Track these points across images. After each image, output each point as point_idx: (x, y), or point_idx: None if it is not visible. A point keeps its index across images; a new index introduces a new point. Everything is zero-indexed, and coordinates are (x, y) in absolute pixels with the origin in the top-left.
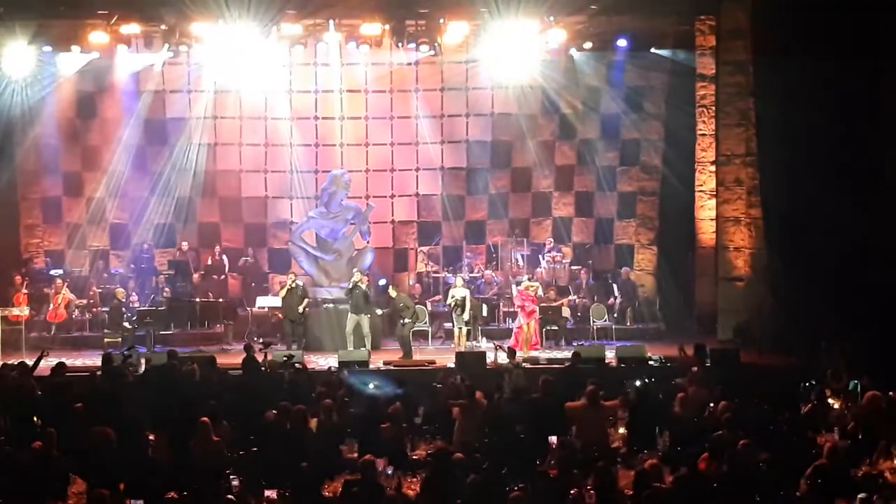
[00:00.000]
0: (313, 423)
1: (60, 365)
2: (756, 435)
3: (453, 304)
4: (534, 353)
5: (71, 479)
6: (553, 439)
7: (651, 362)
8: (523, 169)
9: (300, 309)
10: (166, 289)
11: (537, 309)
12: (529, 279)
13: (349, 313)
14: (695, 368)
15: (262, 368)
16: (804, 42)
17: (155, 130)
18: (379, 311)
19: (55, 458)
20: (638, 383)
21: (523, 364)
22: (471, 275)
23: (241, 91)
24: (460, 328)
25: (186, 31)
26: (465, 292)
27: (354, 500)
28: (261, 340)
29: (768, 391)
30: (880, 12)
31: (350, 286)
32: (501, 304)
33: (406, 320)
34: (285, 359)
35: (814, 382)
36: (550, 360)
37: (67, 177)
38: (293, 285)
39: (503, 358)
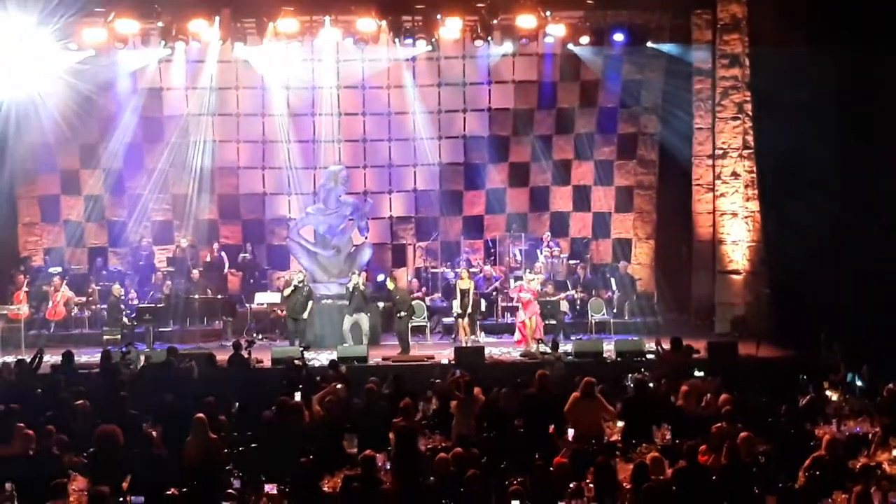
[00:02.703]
0: (309, 417)
1: (68, 354)
2: (754, 427)
3: (458, 297)
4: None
5: (71, 477)
6: (571, 432)
7: (650, 356)
8: (521, 164)
9: (304, 314)
10: (166, 283)
11: (537, 302)
12: (530, 271)
13: (346, 314)
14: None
15: (251, 366)
16: (800, 34)
17: (152, 127)
18: (381, 305)
19: (55, 455)
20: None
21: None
22: (470, 269)
23: (239, 88)
24: (463, 320)
25: (183, 28)
26: (470, 284)
27: (354, 496)
28: (255, 336)
29: (766, 383)
30: (876, 2)
31: (350, 289)
32: (500, 299)
33: (402, 314)
34: (303, 348)
35: (811, 374)
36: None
37: (65, 174)
38: (299, 284)
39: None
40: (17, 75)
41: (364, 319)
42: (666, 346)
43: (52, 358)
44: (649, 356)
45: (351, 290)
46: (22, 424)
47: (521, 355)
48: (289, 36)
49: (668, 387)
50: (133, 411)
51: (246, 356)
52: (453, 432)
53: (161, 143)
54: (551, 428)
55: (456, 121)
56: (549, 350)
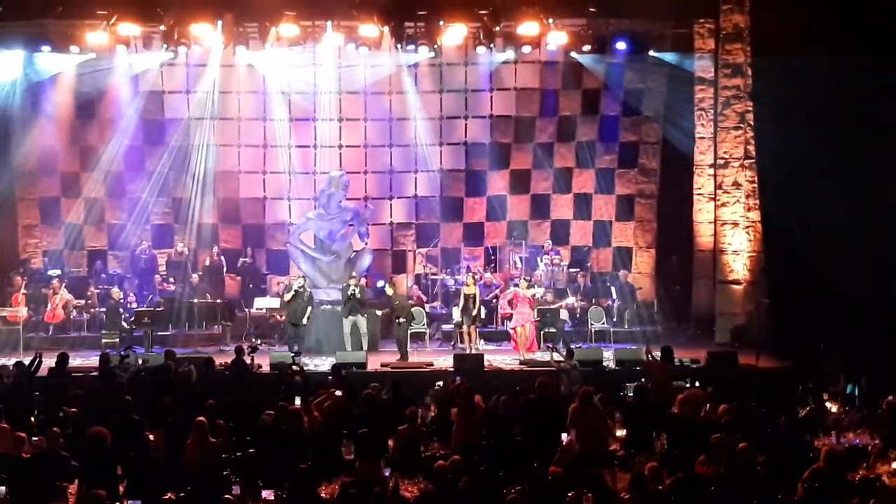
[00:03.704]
0: (308, 423)
1: (63, 356)
2: (753, 438)
3: (462, 302)
4: (531, 356)
5: (72, 480)
6: (564, 437)
7: None
8: (522, 171)
9: (304, 319)
10: (164, 285)
11: (532, 310)
12: (524, 279)
13: (343, 317)
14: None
15: (251, 371)
16: (802, 43)
17: (153, 131)
18: (378, 312)
19: (55, 457)
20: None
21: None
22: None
23: (240, 92)
24: (468, 326)
25: (185, 31)
26: (475, 291)
27: (351, 502)
28: (256, 342)
29: (766, 394)
30: (878, 12)
31: (348, 293)
32: (500, 306)
33: (401, 320)
34: (294, 354)
35: (811, 385)
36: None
37: (65, 177)
38: (300, 289)
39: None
40: (21, 78)
41: (361, 321)
42: (656, 354)
43: (49, 361)
44: None
45: (348, 294)
46: (6, 425)
47: (520, 363)
48: (291, 41)
49: (659, 396)
50: (135, 416)
51: (249, 361)
52: (454, 440)
53: (162, 146)
54: (565, 438)
55: (457, 127)
56: (563, 357)
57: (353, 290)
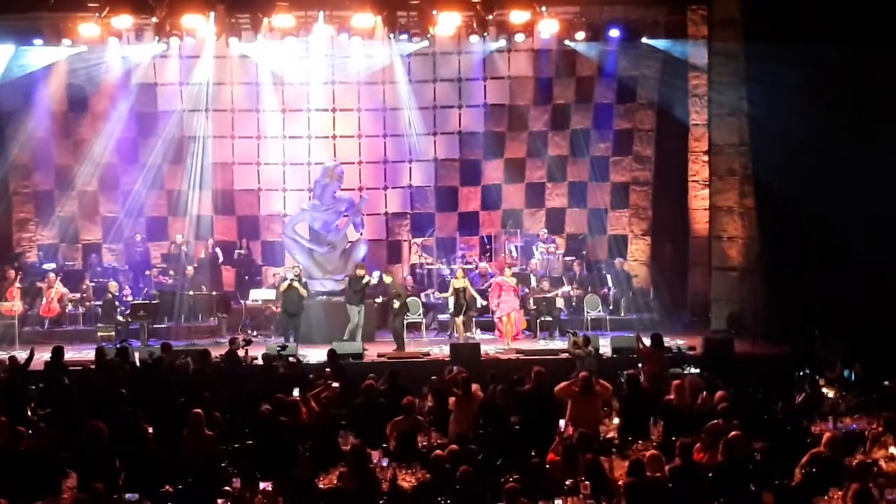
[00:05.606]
0: (306, 414)
1: (58, 350)
2: (750, 424)
3: (451, 295)
4: (516, 345)
5: (67, 474)
6: (561, 424)
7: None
8: (516, 160)
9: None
10: (160, 278)
11: (517, 298)
12: (513, 268)
13: (352, 306)
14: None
15: (243, 364)
16: (796, 30)
17: (146, 123)
18: (378, 300)
19: (49, 452)
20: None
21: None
22: (466, 266)
23: (233, 83)
24: (458, 318)
25: (177, 23)
26: (465, 283)
27: (349, 492)
28: (252, 333)
29: (762, 380)
30: None
31: (363, 282)
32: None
33: (396, 304)
34: (279, 348)
35: (807, 371)
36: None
37: (59, 170)
38: (294, 278)
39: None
40: (12, 71)
41: (362, 311)
42: (646, 342)
43: (43, 355)
44: None
45: (362, 283)
46: (4, 419)
47: (517, 351)
48: (283, 31)
49: (653, 383)
50: (128, 408)
51: (242, 354)
52: (451, 429)
53: (155, 138)
54: (570, 429)
55: (451, 116)
56: (580, 345)
57: (367, 279)
